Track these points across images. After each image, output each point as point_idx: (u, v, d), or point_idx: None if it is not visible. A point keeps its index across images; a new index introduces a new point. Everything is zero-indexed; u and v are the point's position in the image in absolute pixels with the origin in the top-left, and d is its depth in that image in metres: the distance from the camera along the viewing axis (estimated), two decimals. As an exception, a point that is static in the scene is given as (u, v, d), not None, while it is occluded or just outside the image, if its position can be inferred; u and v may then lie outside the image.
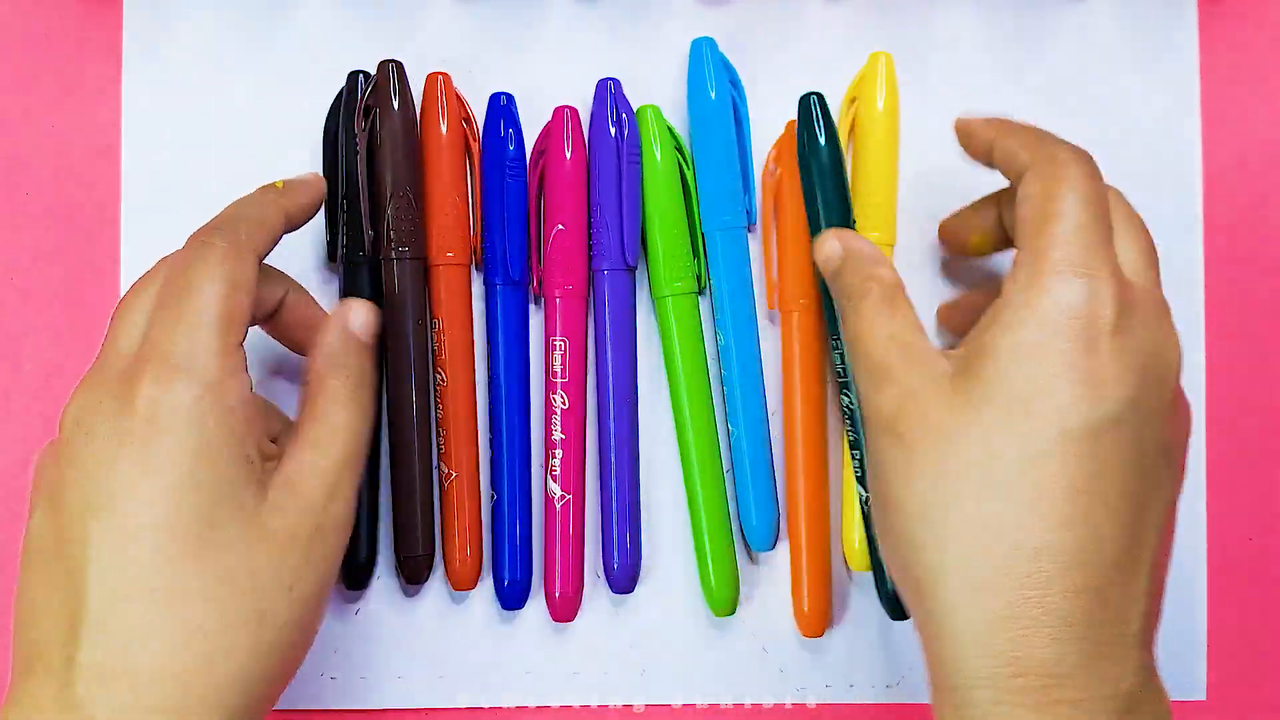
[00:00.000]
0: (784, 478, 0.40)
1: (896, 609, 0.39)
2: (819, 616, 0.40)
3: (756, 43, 0.41)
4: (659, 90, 0.41)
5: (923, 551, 0.30)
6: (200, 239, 0.32)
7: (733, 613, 0.40)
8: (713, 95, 0.39)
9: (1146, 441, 0.30)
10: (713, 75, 0.39)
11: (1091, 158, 0.32)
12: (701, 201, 0.40)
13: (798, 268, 0.39)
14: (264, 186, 0.35)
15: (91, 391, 0.31)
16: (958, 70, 0.41)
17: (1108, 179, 0.41)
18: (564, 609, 0.39)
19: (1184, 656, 0.41)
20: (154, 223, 0.40)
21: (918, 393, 0.31)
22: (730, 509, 0.40)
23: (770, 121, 0.40)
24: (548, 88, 0.40)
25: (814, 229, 0.37)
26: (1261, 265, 0.42)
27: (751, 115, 0.41)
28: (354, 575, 0.39)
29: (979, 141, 0.35)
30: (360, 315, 0.35)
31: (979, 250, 0.38)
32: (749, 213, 0.40)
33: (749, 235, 0.40)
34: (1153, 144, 0.41)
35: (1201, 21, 0.42)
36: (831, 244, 0.35)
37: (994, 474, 0.29)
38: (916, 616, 0.31)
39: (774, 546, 0.40)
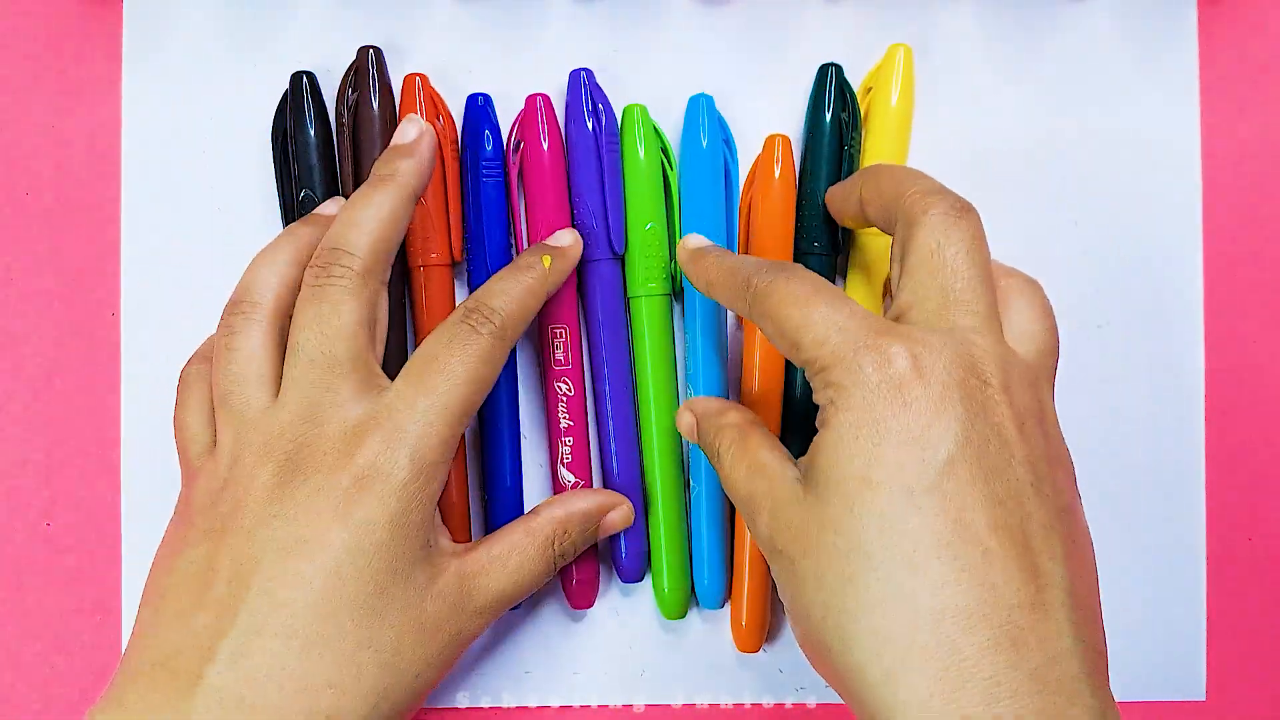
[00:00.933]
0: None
1: None
2: (755, 631, 0.40)
3: (756, 42, 0.41)
4: (658, 90, 0.41)
5: (836, 655, 0.29)
6: (472, 323, 0.34)
7: (683, 616, 0.40)
8: (704, 144, 0.39)
9: (997, 471, 0.29)
10: (706, 130, 0.39)
11: (794, 272, 0.32)
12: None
13: None
14: (530, 260, 0.36)
15: (310, 426, 0.32)
16: (958, 70, 0.41)
17: (1107, 178, 0.41)
18: (582, 595, 0.40)
19: (1184, 656, 0.41)
20: (154, 223, 0.40)
21: (779, 509, 0.31)
22: (686, 517, 0.40)
23: (765, 123, 0.40)
24: (546, 88, 0.40)
25: (811, 204, 0.38)
26: (1261, 265, 0.42)
27: (747, 112, 0.41)
28: None
29: (846, 201, 0.36)
30: (618, 516, 0.38)
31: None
32: None
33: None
34: (1153, 144, 0.41)
35: (1201, 21, 0.42)
36: (685, 416, 0.36)
37: (862, 556, 0.28)
38: (857, 714, 0.30)
39: (723, 605, 0.40)
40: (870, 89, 0.40)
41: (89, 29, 0.41)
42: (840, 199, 0.37)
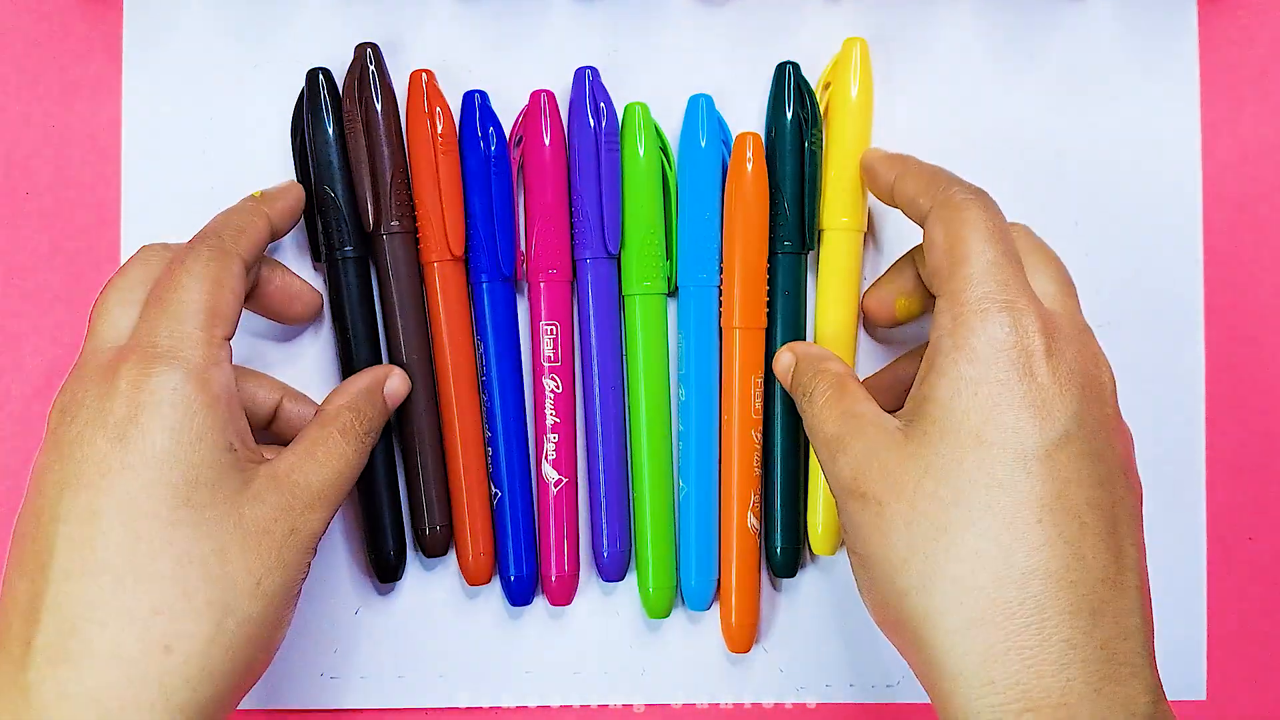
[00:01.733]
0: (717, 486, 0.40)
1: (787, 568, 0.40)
2: (746, 631, 0.40)
3: (755, 42, 0.41)
4: (658, 90, 0.40)
5: (910, 598, 0.30)
6: (187, 246, 0.34)
7: (667, 615, 0.40)
8: (703, 143, 0.39)
9: (1101, 455, 0.30)
10: (706, 130, 0.39)
11: (987, 194, 0.33)
12: (680, 256, 0.40)
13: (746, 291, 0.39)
14: (244, 198, 0.37)
15: (76, 382, 0.32)
16: (957, 70, 0.41)
17: (1107, 178, 0.41)
18: (561, 592, 0.40)
19: (1184, 656, 0.41)
20: (154, 223, 0.40)
21: (874, 452, 0.31)
22: (673, 514, 0.40)
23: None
24: (545, 87, 0.40)
25: (777, 203, 0.39)
26: (1261, 265, 0.42)
27: (748, 113, 0.41)
28: (384, 568, 0.40)
29: (881, 180, 0.37)
30: (395, 382, 0.37)
31: (908, 314, 0.38)
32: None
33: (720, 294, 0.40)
34: (1153, 144, 0.41)
35: (1201, 21, 0.42)
36: (784, 357, 0.37)
37: (963, 509, 0.29)
38: (915, 666, 0.31)
39: (710, 607, 0.40)
40: (829, 84, 0.40)
41: (89, 29, 0.41)
42: (872, 178, 0.38)
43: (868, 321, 0.40)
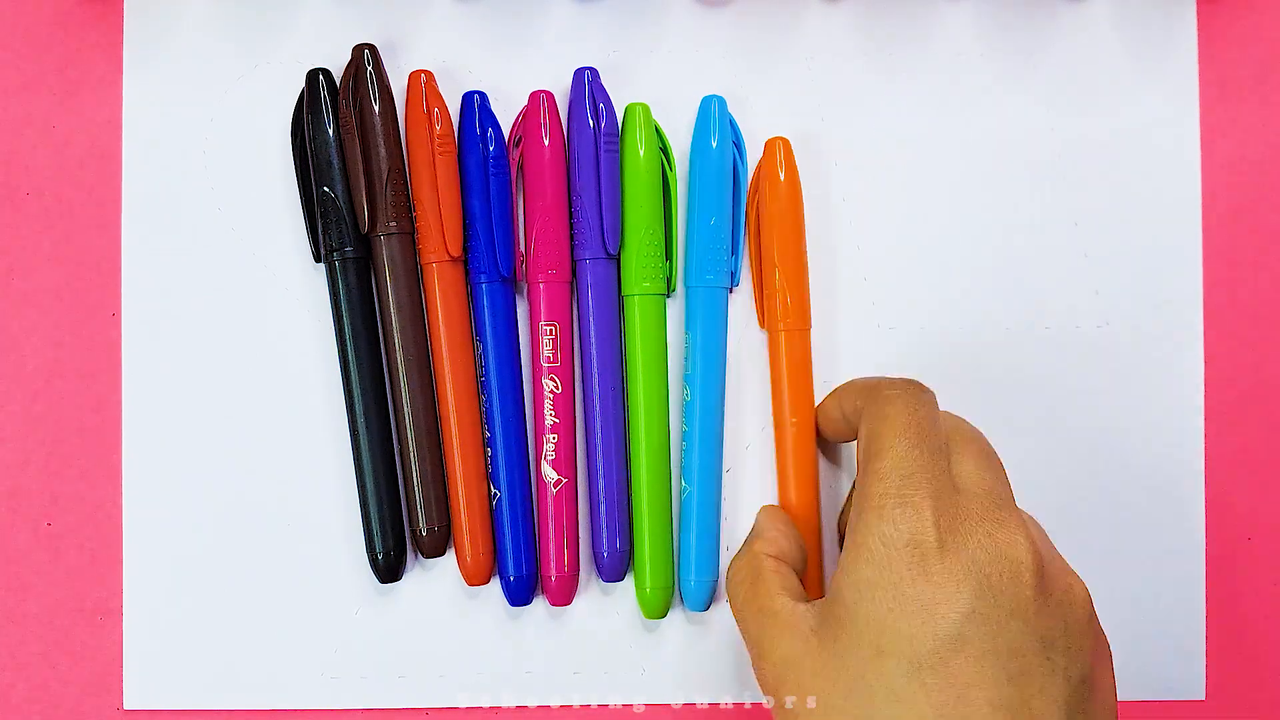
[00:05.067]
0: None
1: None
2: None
3: (756, 43, 0.41)
4: (657, 90, 0.41)
5: None
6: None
7: (664, 616, 0.40)
8: (714, 144, 0.39)
9: (1012, 649, 0.29)
10: (717, 131, 0.39)
11: (919, 387, 0.33)
12: (688, 257, 0.40)
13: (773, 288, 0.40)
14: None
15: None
16: (957, 71, 0.41)
17: (1107, 179, 0.41)
18: (561, 592, 0.40)
19: (1184, 656, 0.41)
20: (154, 223, 0.40)
21: (789, 662, 0.32)
22: (671, 515, 0.40)
23: (766, 124, 0.40)
24: (545, 88, 0.40)
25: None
26: (1261, 265, 0.42)
27: (748, 113, 0.41)
28: (382, 568, 0.39)
29: (828, 411, 0.38)
30: None
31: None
32: (733, 274, 0.40)
33: (729, 296, 0.40)
34: (1152, 144, 0.41)
35: (1201, 21, 0.42)
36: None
37: None
38: None
39: (708, 608, 0.40)
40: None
41: (89, 29, 0.41)
42: (823, 416, 0.38)
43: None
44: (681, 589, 0.40)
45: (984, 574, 0.29)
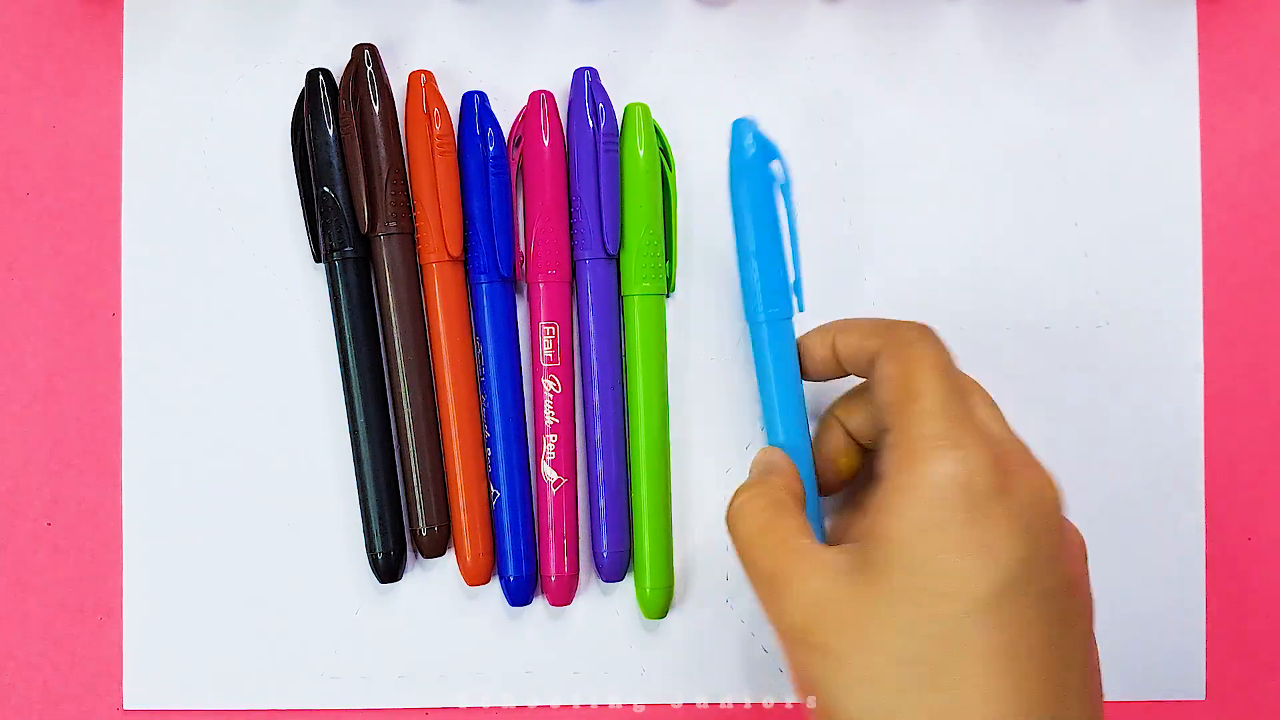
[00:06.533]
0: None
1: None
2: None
3: (756, 43, 0.41)
4: (657, 90, 0.41)
5: None
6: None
7: (664, 616, 0.40)
8: (750, 153, 0.36)
9: (1051, 588, 0.30)
10: (758, 155, 0.36)
11: (935, 332, 0.33)
12: (763, 293, 0.37)
13: None
14: None
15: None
16: (957, 71, 0.41)
17: (1107, 178, 0.41)
18: (560, 592, 0.40)
19: (1184, 656, 0.41)
20: (154, 223, 0.40)
21: (824, 600, 0.31)
22: (671, 515, 0.40)
23: (768, 123, 0.40)
24: (545, 88, 0.40)
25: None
26: (1261, 265, 0.42)
27: (748, 114, 0.41)
28: (382, 568, 0.40)
29: (816, 348, 0.37)
30: None
31: (851, 470, 0.38)
32: (797, 300, 0.37)
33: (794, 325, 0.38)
34: (1153, 144, 0.42)
35: (1201, 21, 0.42)
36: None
37: (921, 661, 0.29)
38: None
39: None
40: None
41: (89, 29, 0.41)
42: (806, 353, 0.37)
43: (822, 488, 0.38)
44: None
45: (1031, 518, 0.30)
